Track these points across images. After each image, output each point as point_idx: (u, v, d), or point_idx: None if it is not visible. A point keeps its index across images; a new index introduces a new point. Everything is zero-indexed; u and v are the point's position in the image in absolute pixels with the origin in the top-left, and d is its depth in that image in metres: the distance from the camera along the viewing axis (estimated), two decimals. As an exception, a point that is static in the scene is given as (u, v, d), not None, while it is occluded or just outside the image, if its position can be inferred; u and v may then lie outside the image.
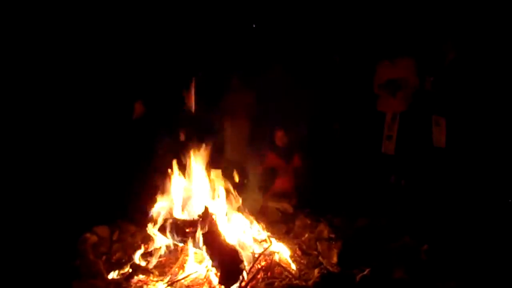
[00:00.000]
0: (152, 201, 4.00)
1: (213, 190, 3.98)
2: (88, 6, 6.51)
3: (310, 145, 5.86)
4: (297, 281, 3.44)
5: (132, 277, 3.54)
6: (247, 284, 3.30)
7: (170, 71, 6.51)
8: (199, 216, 3.61)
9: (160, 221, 3.79)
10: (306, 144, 5.80)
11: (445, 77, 5.36)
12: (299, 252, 4.00)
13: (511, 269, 3.45)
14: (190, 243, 3.60)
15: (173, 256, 3.82)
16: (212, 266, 3.40)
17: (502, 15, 5.57)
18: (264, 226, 4.14)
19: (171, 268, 3.69)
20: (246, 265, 3.44)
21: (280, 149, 5.64)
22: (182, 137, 5.43)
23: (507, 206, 4.86)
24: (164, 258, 3.83)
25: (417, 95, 5.88)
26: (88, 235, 4.07)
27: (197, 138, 4.09)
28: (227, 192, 4.00)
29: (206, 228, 3.49)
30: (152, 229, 3.82)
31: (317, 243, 4.00)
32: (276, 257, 3.71)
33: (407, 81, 5.83)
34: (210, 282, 3.43)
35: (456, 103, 5.25)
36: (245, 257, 3.52)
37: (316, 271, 3.54)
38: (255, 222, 4.09)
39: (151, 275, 3.60)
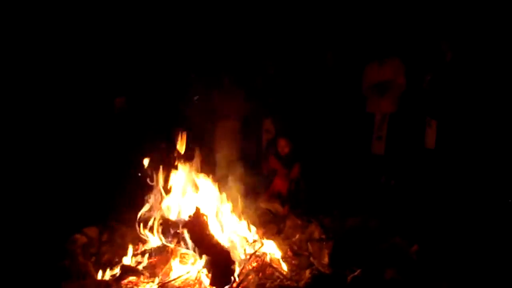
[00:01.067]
0: (142, 201, 3.97)
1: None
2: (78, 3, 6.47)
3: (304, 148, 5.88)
4: (288, 282, 3.44)
5: (122, 278, 3.50)
6: (238, 285, 3.29)
7: (161, 70, 6.49)
8: (190, 217, 3.59)
9: (150, 222, 3.76)
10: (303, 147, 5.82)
11: (442, 76, 5.39)
12: (290, 253, 4.00)
13: (503, 268, 3.49)
14: (181, 244, 3.58)
15: (164, 257, 3.78)
16: (203, 267, 3.39)
17: (499, 16, 5.63)
18: (256, 227, 4.14)
19: (162, 269, 3.65)
20: (238, 266, 3.44)
21: (282, 156, 5.67)
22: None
23: (500, 206, 4.91)
24: (155, 259, 3.79)
25: (408, 95, 5.93)
26: (77, 236, 4.03)
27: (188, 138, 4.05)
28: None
29: (197, 229, 3.47)
30: (142, 230, 3.79)
31: (308, 243, 4.00)
32: (268, 258, 3.71)
33: (395, 82, 5.88)
34: (201, 283, 3.41)
35: (452, 103, 5.29)
36: (237, 258, 3.52)
37: (307, 271, 3.54)
38: (246, 223, 4.08)
39: (142, 276, 3.57)
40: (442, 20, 6.00)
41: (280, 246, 3.98)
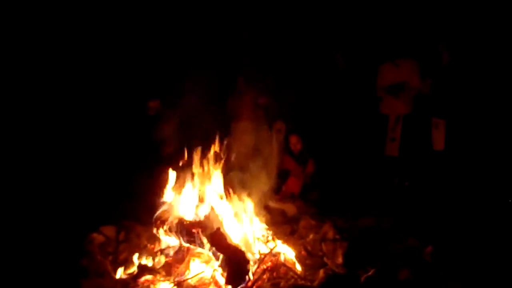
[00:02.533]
0: (159, 201, 4.03)
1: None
2: (98, 8, 6.58)
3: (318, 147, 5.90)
4: (302, 282, 3.47)
5: (139, 277, 3.56)
6: (253, 284, 3.32)
7: (175, 71, 6.54)
8: (205, 216, 3.64)
9: (166, 222, 3.81)
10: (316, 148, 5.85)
11: (442, 79, 5.40)
12: (304, 253, 4.02)
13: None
14: (196, 243, 3.63)
15: (180, 256, 3.83)
16: (219, 266, 3.43)
17: (495, 17, 5.61)
18: (270, 227, 4.17)
19: (178, 268, 3.71)
20: (252, 265, 3.47)
21: (295, 154, 5.69)
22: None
23: (508, 206, 4.88)
24: (171, 258, 3.84)
25: (419, 97, 5.92)
26: (95, 235, 4.12)
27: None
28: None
29: (213, 229, 3.51)
30: (158, 230, 3.85)
31: (322, 244, 4.01)
32: (282, 258, 3.73)
33: (410, 83, 5.86)
34: (216, 282, 3.46)
35: (455, 104, 5.29)
36: (251, 257, 3.55)
37: (321, 271, 3.56)
38: (260, 223, 4.11)
39: (158, 275, 3.62)
40: (438, 23, 5.99)
41: (294, 246, 4.01)
